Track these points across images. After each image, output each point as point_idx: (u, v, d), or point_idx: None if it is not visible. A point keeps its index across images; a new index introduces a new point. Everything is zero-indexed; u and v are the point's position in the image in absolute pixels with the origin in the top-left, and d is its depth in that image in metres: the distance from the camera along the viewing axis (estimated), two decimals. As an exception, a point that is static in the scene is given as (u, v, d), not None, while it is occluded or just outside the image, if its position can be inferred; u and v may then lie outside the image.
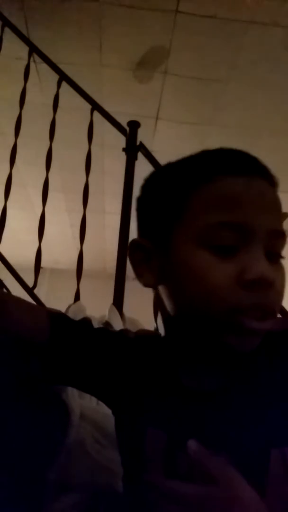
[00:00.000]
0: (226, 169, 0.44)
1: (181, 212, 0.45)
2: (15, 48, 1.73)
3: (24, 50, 1.68)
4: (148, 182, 0.53)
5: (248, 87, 2.17)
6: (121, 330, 0.62)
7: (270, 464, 0.40)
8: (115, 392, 0.54)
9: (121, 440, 0.56)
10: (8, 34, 1.68)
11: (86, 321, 0.62)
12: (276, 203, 0.46)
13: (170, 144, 2.58)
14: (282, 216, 0.46)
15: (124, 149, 1.56)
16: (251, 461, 0.41)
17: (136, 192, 0.54)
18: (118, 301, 1.28)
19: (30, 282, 1.32)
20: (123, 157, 1.55)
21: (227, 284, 0.41)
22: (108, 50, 2.01)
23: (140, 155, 1.54)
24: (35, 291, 1.33)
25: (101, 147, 2.54)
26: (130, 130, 1.57)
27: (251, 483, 0.39)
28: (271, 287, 0.42)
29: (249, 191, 0.43)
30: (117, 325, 1.10)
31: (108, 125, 1.59)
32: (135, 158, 1.54)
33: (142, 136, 1.59)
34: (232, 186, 0.43)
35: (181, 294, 0.46)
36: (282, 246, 0.45)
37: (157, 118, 2.44)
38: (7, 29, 1.68)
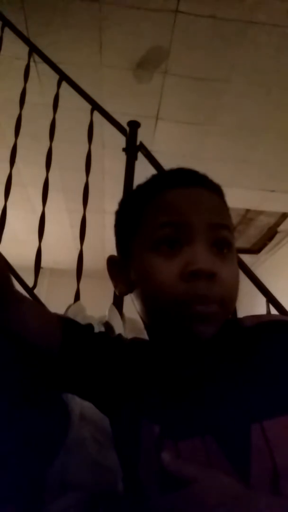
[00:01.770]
0: (169, 185, 0.52)
1: (136, 226, 0.53)
2: (15, 48, 1.73)
3: (24, 50, 1.68)
4: (118, 207, 0.61)
5: (248, 87, 2.17)
6: (118, 335, 0.65)
7: (251, 438, 0.42)
8: (112, 393, 0.56)
9: (118, 441, 0.57)
10: (8, 34, 1.68)
11: (91, 327, 0.64)
12: (214, 203, 0.52)
13: (170, 144, 2.58)
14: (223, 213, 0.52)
15: (124, 149, 1.55)
16: (234, 439, 0.43)
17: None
18: (118, 301, 1.28)
19: (30, 282, 1.31)
20: (123, 157, 1.55)
21: (172, 279, 0.46)
22: (108, 50, 2.01)
23: (140, 155, 1.54)
24: (35, 291, 1.33)
25: (101, 147, 2.54)
26: (130, 130, 1.57)
27: (237, 460, 0.42)
28: (214, 278, 0.46)
29: (187, 197, 0.51)
30: (117, 325, 1.10)
31: (108, 125, 1.59)
32: (135, 158, 1.53)
33: (142, 136, 1.59)
34: (173, 196, 0.51)
35: (141, 295, 0.52)
36: (227, 238, 0.50)
37: (157, 118, 2.44)
38: (7, 29, 1.68)
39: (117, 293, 0.58)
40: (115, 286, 0.58)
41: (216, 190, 0.54)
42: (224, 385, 0.48)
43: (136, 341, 0.62)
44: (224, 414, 0.45)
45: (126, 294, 0.56)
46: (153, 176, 0.58)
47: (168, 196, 0.51)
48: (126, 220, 0.57)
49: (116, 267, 0.58)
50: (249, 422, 0.43)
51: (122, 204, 0.61)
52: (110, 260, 0.59)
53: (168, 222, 0.49)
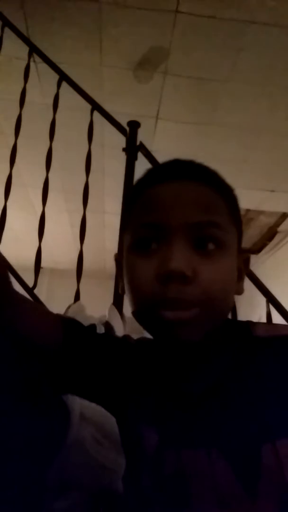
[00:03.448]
0: (153, 181, 0.50)
1: (126, 225, 0.52)
2: (15, 48, 1.73)
3: (24, 50, 1.68)
4: None
5: (248, 87, 2.17)
6: (124, 336, 0.63)
7: (262, 457, 0.41)
8: (117, 396, 0.55)
9: (123, 443, 0.57)
10: (8, 34, 1.68)
11: (93, 327, 0.63)
12: (197, 198, 0.47)
13: (170, 144, 2.58)
14: (207, 207, 0.47)
15: (124, 149, 1.56)
16: (243, 456, 0.42)
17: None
18: (118, 301, 1.28)
19: (30, 282, 1.32)
20: (123, 157, 1.55)
21: (147, 280, 0.45)
22: (108, 50, 2.01)
23: (140, 155, 1.54)
24: (35, 291, 1.33)
25: (101, 147, 2.54)
26: (130, 130, 1.57)
27: (244, 478, 0.40)
28: (190, 280, 0.43)
29: (165, 194, 0.47)
30: (117, 325, 1.10)
31: (108, 125, 1.59)
32: (135, 158, 1.54)
33: (142, 136, 1.59)
34: (153, 193, 0.48)
35: (127, 295, 0.50)
36: (214, 235, 0.46)
37: (157, 118, 2.44)
38: (7, 29, 1.68)
39: (119, 291, 0.56)
40: (119, 284, 0.56)
41: (205, 181, 0.49)
42: (234, 397, 0.45)
43: (142, 341, 0.60)
44: (232, 428, 0.43)
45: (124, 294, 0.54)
46: (145, 172, 0.55)
47: (148, 194, 0.49)
48: (121, 217, 0.56)
49: (120, 265, 0.56)
50: (261, 440, 0.41)
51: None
52: (115, 257, 0.58)
53: (146, 223, 0.47)
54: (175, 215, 0.45)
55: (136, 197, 0.51)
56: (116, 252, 0.59)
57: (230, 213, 0.49)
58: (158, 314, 0.44)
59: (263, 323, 0.53)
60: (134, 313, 0.49)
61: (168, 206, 0.46)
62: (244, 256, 0.54)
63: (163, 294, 0.43)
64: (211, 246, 0.45)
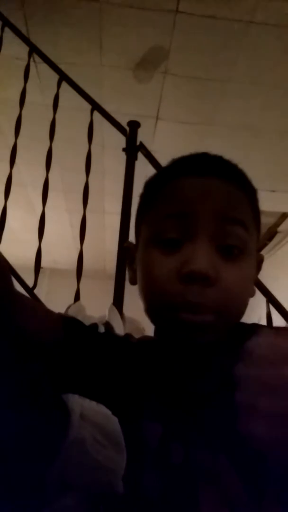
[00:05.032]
0: (179, 173, 0.48)
1: (146, 213, 0.50)
2: (15, 48, 1.73)
3: (24, 50, 1.68)
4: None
5: (248, 87, 2.17)
6: (126, 335, 0.63)
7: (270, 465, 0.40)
8: (118, 394, 0.55)
9: (125, 440, 0.57)
10: (8, 34, 1.67)
11: (95, 326, 0.63)
12: (226, 195, 0.46)
13: (170, 144, 2.58)
14: (238, 206, 0.46)
15: (124, 149, 1.56)
16: (251, 463, 0.41)
17: (136, 192, 0.57)
18: (118, 301, 1.28)
19: (30, 282, 1.31)
20: (123, 157, 1.55)
21: (167, 278, 0.43)
22: (108, 50, 2.01)
23: (140, 155, 1.54)
24: (35, 291, 1.33)
25: (101, 147, 2.54)
26: (130, 130, 1.57)
27: (251, 484, 0.39)
28: (211, 283, 0.41)
29: (195, 187, 0.45)
30: (117, 325, 1.10)
31: (108, 125, 1.59)
32: (135, 158, 1.54)
33: (142, 136, 1.59)
34: (181, 185, 0.47)
35: (139, 288, 0.49)
36: (239, 236, 0.44)
37: (157, 118, 2.44)
38: (7, 29, 1.68)
39: (129, 281, 0.55)
40: (129, 275, 0.55)
41: (236, 181, 0.48)
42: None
43: (144, 340, 0.60)
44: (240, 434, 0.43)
45: (135, 283, 0.52)
46: (171, 162, 0.52)
47: (177, 185, 0.47)
48: (140, 205, 0.54)
49: (129, 253, 0.55)
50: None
51: (143, 188, 0.56)
52: (125, 248, 0.57)
53: (172, 214, 0.45)
54: (203, 207, 0.44)
55: (158, 188, 0.49)
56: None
57: (254, 216, 0.48)
58: (176, 316, 0.42)
59: (269, 329, 0.51)
60: (147, 311, 0.48)
61: (197, 197, 0.44)
62: (258, 258, 0.52)
63: (184, 295, 0.42)
64: (235, 248, 0.44)
